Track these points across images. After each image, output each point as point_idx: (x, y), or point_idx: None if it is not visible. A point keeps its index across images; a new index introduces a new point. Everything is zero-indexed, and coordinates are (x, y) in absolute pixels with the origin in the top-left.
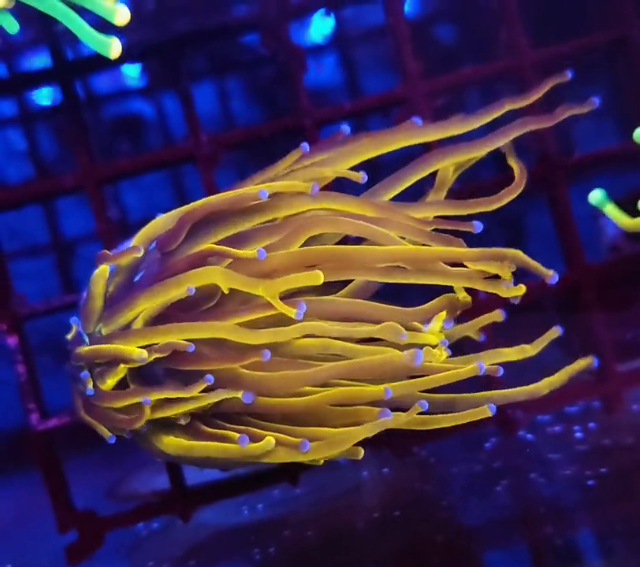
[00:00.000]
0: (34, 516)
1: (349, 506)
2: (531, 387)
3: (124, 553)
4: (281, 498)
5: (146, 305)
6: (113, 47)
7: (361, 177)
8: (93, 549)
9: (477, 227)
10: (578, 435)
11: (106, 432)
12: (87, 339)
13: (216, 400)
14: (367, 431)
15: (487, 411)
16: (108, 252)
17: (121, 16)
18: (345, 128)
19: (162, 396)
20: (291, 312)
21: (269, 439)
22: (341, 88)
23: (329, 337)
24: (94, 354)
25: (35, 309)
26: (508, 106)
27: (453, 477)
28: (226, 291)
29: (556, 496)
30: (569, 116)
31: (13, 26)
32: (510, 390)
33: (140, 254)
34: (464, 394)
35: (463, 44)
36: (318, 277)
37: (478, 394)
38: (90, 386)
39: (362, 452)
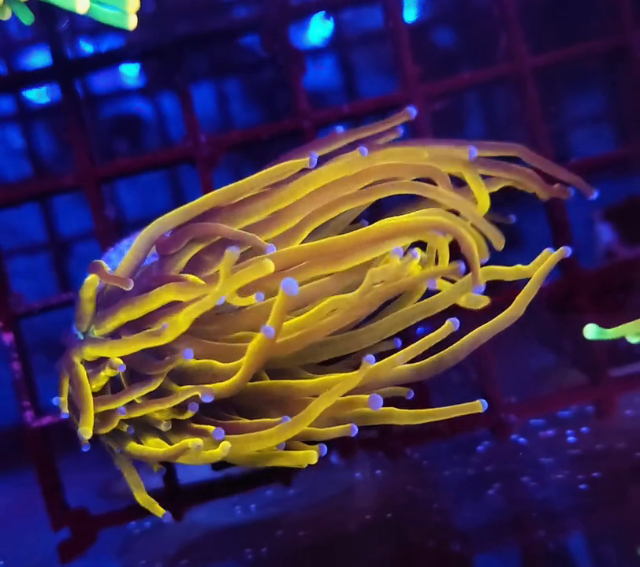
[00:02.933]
0: (27, 513)
1: (342, 508)
2: (506, 313)
3: (117, 551)
4: (274, 499)
5: (126, 318)
6: (130, 18)
7: None
8: (85, 547)
9: None
10: (571, 439)
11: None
12: (81, 336)
13: (182, 398)
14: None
15: (479, 406)
16: (104, 264)
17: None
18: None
19: (129, 399)
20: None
21: (225, 444)
22: (340, 91)
23: None
24: (75, 380)
25: (31, 307)
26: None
27: (446, 480)
28: (186, 300)
29: (548, 500)
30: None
31: (28, 17)
32: (488, 324)
33: (129, 288)
34: (447, 349)
35: (462, 49)
36: (268, 267)
37: (460, 342)
38: (64, 410)
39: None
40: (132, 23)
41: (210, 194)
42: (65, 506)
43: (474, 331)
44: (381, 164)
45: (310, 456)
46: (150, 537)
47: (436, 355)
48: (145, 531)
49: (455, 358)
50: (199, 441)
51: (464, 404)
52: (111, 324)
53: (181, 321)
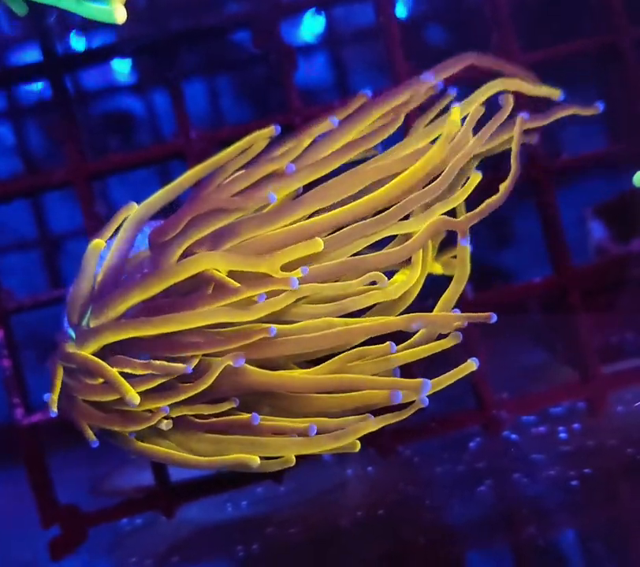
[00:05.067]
0: (17, 510)
1: (333, 504)
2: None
3: (108, 548)
4: (265, 496)
5: (141, 298)
6: (117, 12)
7: None
8: (76, 544)
9: None
10: (563, 435)
11: (91, 436)
12: (72, 334)
13: (208, 382)
14: (374, 425)
15: (472, 365)
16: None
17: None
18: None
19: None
20: (286, 281)
21: (291, 457)
22: (331, 87)
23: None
24: (86, 365)
25: (22, 303)
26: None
27: (437, 477)
28: (224, 273)
29: (540, 497)
30: (557, 119)
31: (21, 8)
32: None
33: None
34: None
35: (453, 46)
36: (318, 245)
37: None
38: (53, 408)
39: (359, 445)
40: (120, 16)
41: (190, 171)
42: (56, 503)
43: (444, 295)
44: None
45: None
46: (141, 534)
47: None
48: (136, 528)
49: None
50: (255, 460)
51: (458, 367)
52: (116, 310)
53: (281, 301)
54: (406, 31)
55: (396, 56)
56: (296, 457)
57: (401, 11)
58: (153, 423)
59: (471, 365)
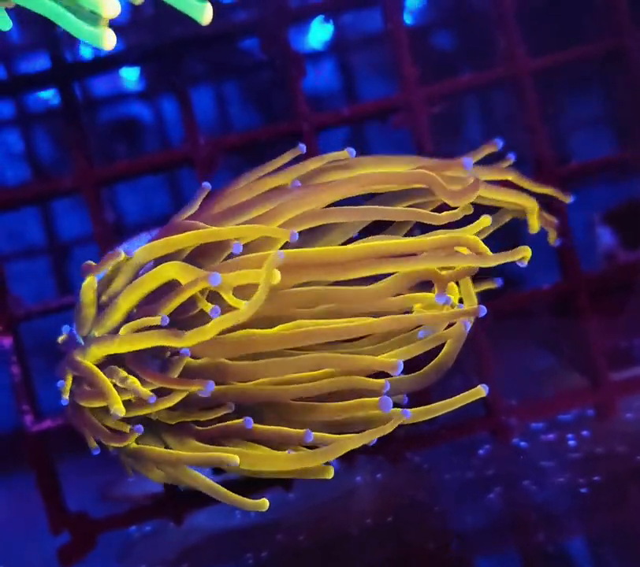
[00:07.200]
0: (27, 517)
1: (342, 511)
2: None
3: (117, 556)
4: (275, 503)
5: (126, 305)
6: (107, 38)
7: None
8: (85, 551)
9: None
10: (572, 442)
11: (92, 443)
12: (81, 341)
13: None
14: (357, 441)
15: (481, 391)
16: (91, 263)
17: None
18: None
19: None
20: (239, 303)
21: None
22: (339, 94)
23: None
24: (87, 375)
25: (31, 310)
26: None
27: (446, 484)
28: (184, 282)
29: (549, 503)
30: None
31: (5, 23)
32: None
33: (121, 258)
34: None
35: (460, 51)
36: (276, 276)
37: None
38: (65, 396)
39: (331, 472)
40: (109, 43)
41: (195, 235)
42: (65, 510)
43: (454, 328)
44: (372, 173)
45: (327, 471)
46: (150, 541)
47: (434, 361)
48: (145, 535)
49: (451, 359)
50: (235, 458)
51: (467, 392)
52: (112, 319)
53: (209, 329)
54: (414, 37)
55: (403, 62)
56: None
57: (408, 16)
58: (126, 443)
59: (480, 391)
